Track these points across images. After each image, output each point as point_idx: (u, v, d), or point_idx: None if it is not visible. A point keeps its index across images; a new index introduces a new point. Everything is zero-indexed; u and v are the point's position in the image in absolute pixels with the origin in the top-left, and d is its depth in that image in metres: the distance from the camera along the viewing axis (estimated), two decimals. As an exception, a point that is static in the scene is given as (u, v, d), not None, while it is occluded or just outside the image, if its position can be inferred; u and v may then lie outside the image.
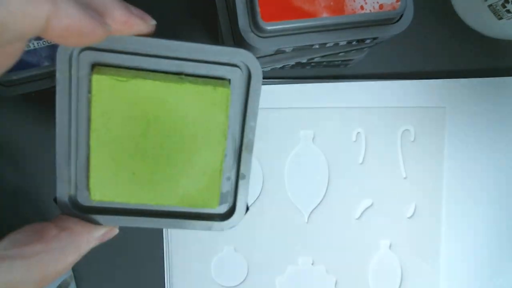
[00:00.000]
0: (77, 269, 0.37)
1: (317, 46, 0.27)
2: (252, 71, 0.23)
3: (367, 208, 0.36)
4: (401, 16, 0.26)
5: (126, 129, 0.22)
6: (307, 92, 0.35)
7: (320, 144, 0.36)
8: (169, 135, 0.23)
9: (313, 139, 0.36)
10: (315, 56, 0.30)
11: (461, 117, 0.36)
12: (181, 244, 0.36)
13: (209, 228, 0.24)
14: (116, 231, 0.23)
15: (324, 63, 0.33)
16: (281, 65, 0.32)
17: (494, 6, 0.31)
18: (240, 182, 0.24)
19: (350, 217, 0.36)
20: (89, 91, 0.22)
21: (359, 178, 0.36)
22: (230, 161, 0.24)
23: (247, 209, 0.25)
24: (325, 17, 0.24)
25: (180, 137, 0.23)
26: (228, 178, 0.24)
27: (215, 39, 0.35)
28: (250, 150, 0.24)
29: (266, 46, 0.26)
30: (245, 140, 0.24)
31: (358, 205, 0.36)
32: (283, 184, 0.36)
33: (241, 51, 0.22)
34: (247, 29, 0.25)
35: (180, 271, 0.36)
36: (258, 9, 0.24)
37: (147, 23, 0.21)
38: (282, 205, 0.36)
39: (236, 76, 0.23)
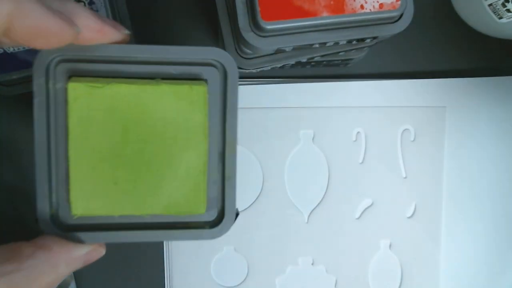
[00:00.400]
0: (77, 269, 0.37)
1: (317, 46, 0.27)
2: (228, 70, 0.22)
3: (367, 208, 0.36)
4: (401, 15, 0.26)
5: (105, 137, 0.22)
6: (307, 92, 0.35)
7: (320, 144, 0.36)
8: (149, 139, 0.22)
9: (313, 139, 0.36)
10: (315, 55, 0.30)
11: (461, 117, 0.36)
12: (181, 244, 0.36)
13: (199, 237, 0.23)
14: (102, 251, 0.22)
15: (324, 62, 0.33)
16: (281, 65, 0.32)
17: (494, 6, 0.31)
18: (227, 185, 0.23)
19: (350, 217, 0.36)
20: (66, 101, 0.22)
21: (359, 178, 0.36)
22: (215, 163, 0.23)
23: (237, 214, 0.24)
24: (325, 17, 0.24)
25: (161, 141, 0.22)
26: (215, 182, 0.23)
27: (215, 39, 0.35)
28: (234, 150, 0.23)
29: (266, 45, 0.26)
30: (227, 140, 0.23)
31: (358, 205, 0.36)
32: (283, 184, 0.36)
33: (215, 49, 0.22)
34: (247, 28, 0.25)
35: (180, 271, 0.36)
36: (258, 9, 0.24)
37: (121, 32, 0.21)
38: (282, 205, 0.36)
39: (212, 75, 0.23)
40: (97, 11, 0.29)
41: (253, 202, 0.36)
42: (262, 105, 0.35)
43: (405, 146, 0.36)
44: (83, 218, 0.23)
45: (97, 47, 0.21)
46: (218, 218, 0.24)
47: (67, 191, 0.22)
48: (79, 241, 0.22)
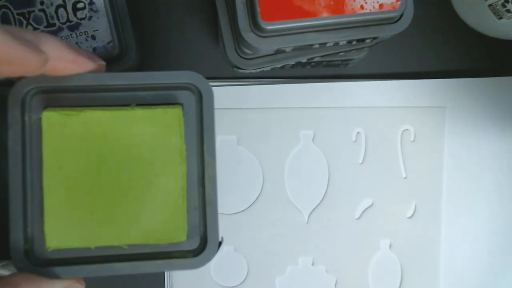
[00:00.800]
0: None
1: (317, 46, 0.27)
2: (203, 92, 0.22)
3: (367, 208, 0.36)
4: (401, 15, 0.26)
5: (80, 165, 0.21)
6: (307, 92, 0.35)
7: (320, 144, 0.36)
8: (126, 165, 0.22)
9: (313, 139, 0.36)
10: (315, 55, 0.30)
11: (461, 117, 0.36)
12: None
13: (181, 267, 0.22)
14: (80, 286, 0.21)
15: (324, 63, 0.33)
16: (281, 65, 0.32)
17: (494, 6, 0.31)
18: (208, 210, 0.22)
19: (350, 217, 0.36)
20: (41, 130, 0.21)
21: (359, 178, 0.36)
22: (194, 187, 0.23)
23: (220, 242, 0.23)
24: (325, 17, 0.24)
25: (137, 166, 0.22)
26: (195, 208, 0.23)
27: (215, 39, 0.35)
28: (213, 173, 0.22)
29: (266, 45, 0.26)
30: (206, 163, 0.22)
31: (358, 205, 0.36)
32: (283, 184, 0.36)
33: (189, 73, 0.22)
34: (247, 29, 0.25)
35: (180, 271, 0.36)
36: (258, 9, 0.24)
37: (95, 62, 0.21)
38: (282, 205, 0.36)
39: (188, 99, 0.23)
40: (96, 11, 0.29)
41: (253, 202, 0.36)
42: (262, 105, 0.35)
43: (405, 146, 0.36)
44: (58, 251, 0.22)
45: (72, 77, 0.21)
46: (200, 246, 0.23)
47: (42, 222, 0.21)
48: (55, 276, 0.21)
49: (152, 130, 0.22)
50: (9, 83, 0.31)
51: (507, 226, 0.36)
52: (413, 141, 0.36)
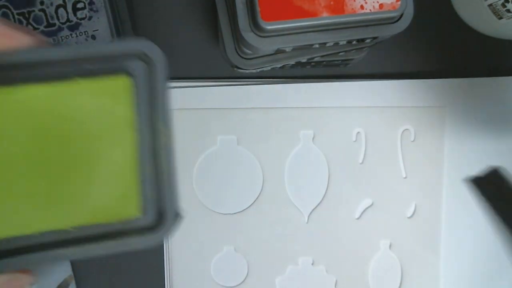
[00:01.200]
0: (77, 269, 0.37)
1: (317, 46, 0.27)
2: (154, 60, 0.20)
3: (367, 208, 0.36)
4: (401, 15, 0.26)
5: (17, 147, 0.20)
6: (307, 92, 0.35)
7: (320, 144, 0.36)
8: (69, 142, 0.20)
9: (313, 139, 0.36)
10: (315, 55, 0.30)
11: (461, 117, 0.36)
12: (181, 244, 0.36)
13: (136, 246, 0.20)
14: (27, 279, 0.19)
15: (324, 62, 0.33)
16: (281, 65, 0.32)
17: (494, 6, 0.31)
18: (163, 181, 0.21)
19: (350, 217, 0.36)
20: None
21: (359, 178, 0.36)
22: (148, 159, 0.21)
23: (178, 214, 0.21)
24: (325, 17, 0.24)
25: (82, 142, 0.20)
26: (150, 181, 0.21)
27: (215, 39, 0.35)
28: (168, 143, 0.20)
29: (266, 45, 0.26)
30: (159, 132, 0.20)
31: (358, 205, 0.36)
32: (283, 184, 0.36)
33: (138, 40, 0.20)
34: (247, 29, 0.25)
35: (180, 271, 0.36)
36: (258, 9, 0.24)
37: (32, 35, 0.19)
38: (282, 205, 0.36)
39: (138, 68, 0.21)
40: (96, 11, 0.29)
41: (253, 202, 0.36)
42: (262, 105, 0.35)
43: (405, 146, 0.36)
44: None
45: (4, 53, 0.19)
46: (157, 221, 0.21)
47: None
48: None
49: (98, 102, 0.20)
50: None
51: (507, 226, 0.36)
52: (413, 141, 0.36)
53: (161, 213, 0.21)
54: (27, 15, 0.28)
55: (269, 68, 0.32)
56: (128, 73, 0.21)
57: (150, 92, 0.21)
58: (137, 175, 0.21)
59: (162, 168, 0.20)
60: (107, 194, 0.20)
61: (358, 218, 0.36)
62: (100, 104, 0.20)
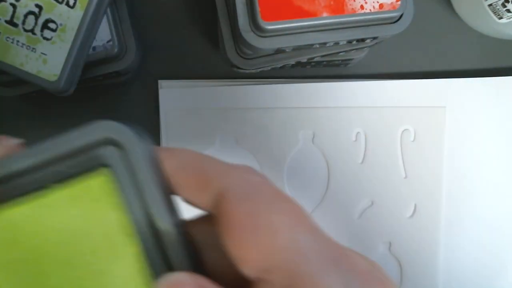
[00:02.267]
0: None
1: (317, 46, 0.27)
2: (125, 145, 0.17)
3: (367, 208, 0.36)
4: (401, 15, 0.26)
5: (12, 280, 0.17)
6: (307, 92, 0.35)
7: (320, 144, 0.36)
8: (64, 267, 0.17)
9: (312, 139, 0.36)
10: (315, 55, 0.30)
11: (461, 117, 0.36)
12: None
13: None
14: None
15: (324, 62, 0.33)
16: (281, 65, 0.32)
17: (494, 6, 0.31)
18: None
19: (350, 217, 0.36)
20: None
21: (359, 178, 0.36)
22: (157, 264, 0.17)
23: None
24: (325, 17, 0.24)
25: (79, 263, 0.17)
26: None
27: (215, 39, 0.35)
28: (173, 239, 0.17)
29: (266, 45, 0.26)
30: (160, 229, 0.17)
31: (358, 205, 0.36)
32: (283, 184, 0.36)
33: (100, 125, 0.17)
34: (247, 29, 0.25)
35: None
36: (258, 9, 0.24)
37: (2, 144, 0.17)
38: (282, 205, 0.36)
39: (113, 157, 0.17)
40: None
41: (253, 202, 0.36)
42: (262, 105, 0.35)
43: (405, 146, 0.36)
44: None
45: None
46: None
47: None
48: None
49: (81, 212, 0.17)
50: (10, 84, 0.31)
51: (507, 226, 0.36)
52: (413, 141, 0.36)
53: None
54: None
55: (269, 68, 0.32)
56: (107, 166, 0.17)
57: (134, 183, 0.17)
58: (147, 282, 0.17)
59: (174, 264, 0.17)
60: None
61: (358, 218, 0.36)
62: (86, 213, 0.17)
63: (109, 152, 0.17)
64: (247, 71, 0.32)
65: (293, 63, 0.32)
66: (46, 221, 0.17)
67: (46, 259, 0.17)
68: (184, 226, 0.17)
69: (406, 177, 0.36)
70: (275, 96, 0.35)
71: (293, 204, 0.14)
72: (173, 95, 0.35)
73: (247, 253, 0.13)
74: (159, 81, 0.35)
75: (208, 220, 0.16)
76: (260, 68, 0.31)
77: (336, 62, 0.33)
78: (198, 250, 0.16)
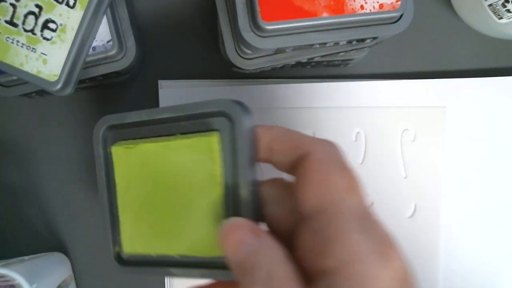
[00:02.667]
0: (77, 269, 0.37)
1: (317, 46, 0.27)
2: (233, 118, 0.23)
3: (367, 208, 0.36)
4: (401, 16, 0.26)
5: (141, 187, 0.25)
6: (307, 92, 0.35)
7: (320, 144, 0.36)
8: (172, 188, 0.24)
9: (313, 139, 0.36)
10: (315, 55, 0.30)
11: (461, 117, 0.36)
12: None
13: (220, 277, 0.24)
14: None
15: (324, 62, 0.33)
16: (281, 65, 0.32)
17: (494, 6, 0.31)
18: None
19: (350, 217, 0.36)
20: (112, 161, 0.26)
21: (359, 178, 0.36)
22: (232, 211, 0.23)
23: None
24: (325, 17, 0.24)
25: (181, 189, 0.24)
26: None
27: (215, 39, 0.35)
28: (247, 195, 0.23)
29: (266, 45, 0.26)
30: (241, 186, 0.23)
31: (358, 205, 0.36)
32: (283, 184, 0.36)
33: (220, 100, 0.23)
34: (247, 29, 0.25)
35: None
36: (258, 9, 0.24)
37: None
38: (282, 205, 0.36)
39: (223, 125, 0.23)
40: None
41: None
42: (262, 105, 0.35)
43: (405, 146, 0.36)
44: (132, 256, 0.26)
45: (131, 115, 0.26)
46: None
47: (119, 233, 0.27)
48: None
49: (192, 157, 0.24)
50: (9, 83, 0.31)
51: (507, 226, 0.36)
52: (413, 141, 0.36)
53: None
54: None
55: (269, 68, 0.32)
56: (217, 131, 0.24)
57: (233, 148, 0.23)
58: (220, 221, 0.23)
59: (242, 212, 0.23)
60: (198, 234, 0.24)
61: (358, 218, 0.36)
62: (195, 159, 0.24)
63: (220, 121, 0.23)
64: (247, 71, 0.32)
65: (293, 63, 0.32)
66: (168, 156, 0.25)
67: (160, 180, 0.25)
68: (257, 186, 0.22)
69: (406, 177, 0.36)
70: (275, 96, 0.35)
71: (352, 174, 0.19)
72: (173, 95, 0.35)
73: (310, 197, 0.19)
74: (159, 81, 0.35)
75: (275, 182, 0.22)
76: (260, 68, 0.31)
77: (336, 62, 0.33)
78: (262, 204, 0.22)
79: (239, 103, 0.23)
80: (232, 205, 0.23)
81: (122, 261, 0.27)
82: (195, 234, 0.24)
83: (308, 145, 0.20)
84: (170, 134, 0.25)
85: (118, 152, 0.26)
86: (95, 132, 0.27)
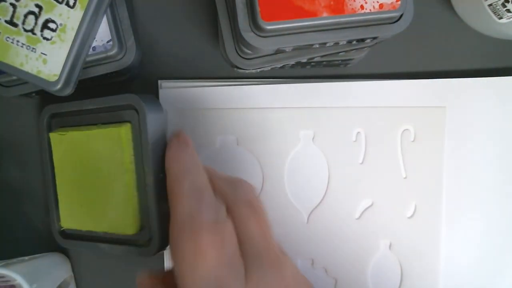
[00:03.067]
0: (77, 269, 0.37)
1: (317, 46, 0.27)
2: (138, 110, 0.26)
3: (367, 208, 0.36)
4: (401, 15, 0.26)
5: (72, 170, 0.29)
6: (307, 92, 0.35)
7: (320, 144, 0.36)
8: (95, 172, 0.28)
9: (313, 139, 0.36)
10: (315, 55, 0.30)
11: (461, 117, 0.36)
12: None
13: (138, 254, 0.27)
14: None
15: (324, 62, 0.33)
16: (281, 65, 0.32)
17: (494, 6, 0.31)
18: (150, 212, 0.26)
19: (350, 217, 0.36)
20: (50, 145, 0.31)
21: (359, 178, 0.36)
22: (143, 195, 0.27)
23: (165, 239, 0.26)
24: (325, 17, 0.24)
25: (101, 173, 0.28)
26: (145, 208, 0.27)
27: (215, 39, 0.35)
28: (149, 182, 0.26)
29: (266, 45, 0.26)
30: (146, 172, 0.26)
31: (358, 205, 0.36)
32: (283, 184, 0.36)
33: (127, 96, 0.27)
34: (247, 29, 0.25)
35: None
36: (258, 9, 0.24)
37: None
38: (282, 205, 0.36)
39: (134, 117, 0.27)
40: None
41: (253, 202, 0.36)
42: (262, 105, 0.35)
43: (405, 146, 0.36)
44: (69, 230, 0.31)
45: (73, 104, 0.29)
46: (148, 239, 0.27)
47: (58, 209, 0.31)
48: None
49: (108, 145, 0.27)
50: (9, 83, 0.31)
51: (507, 226, 0.36)
52: (413, 141, 0.36)
53: (150, 233, 0.27)
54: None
55: (269, 68, 0.32)
56: (129, 123, 0.27)
57: (141, 139, 0.26)
58: (133, 204, 0.27)
59: (149, 202, 0.27)
60: (117, 214, 0.27)
61: (358, 218, 0.36)
62: (110, 147, 0.27)
63: (131, 114, 0.27)
64: (247, 71, 0.32)
65: (293, 63, 0.32)
66: (90, 143, 0.28)
67: (86, 165, 0.28)
68: (165, 173, 0.25)
69: (406, 177, 0.36)
70: (275, 96, 0.35)
71: None
72: (173, 95, 0.35)
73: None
74: (159, 81, 0.35)
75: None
76: (260, 68, 0.31)
77: (336, 62, 0.33)
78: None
79: (149, 98, 0.27)
80: (143, 190, 0.27)
81: (64, 235, 0.31)
82: (114, 214, 0.27)
83: None
84: (94, 123, 0.29)
85: (55, 138, 0.30)
86: (40, 120, 0.31)
